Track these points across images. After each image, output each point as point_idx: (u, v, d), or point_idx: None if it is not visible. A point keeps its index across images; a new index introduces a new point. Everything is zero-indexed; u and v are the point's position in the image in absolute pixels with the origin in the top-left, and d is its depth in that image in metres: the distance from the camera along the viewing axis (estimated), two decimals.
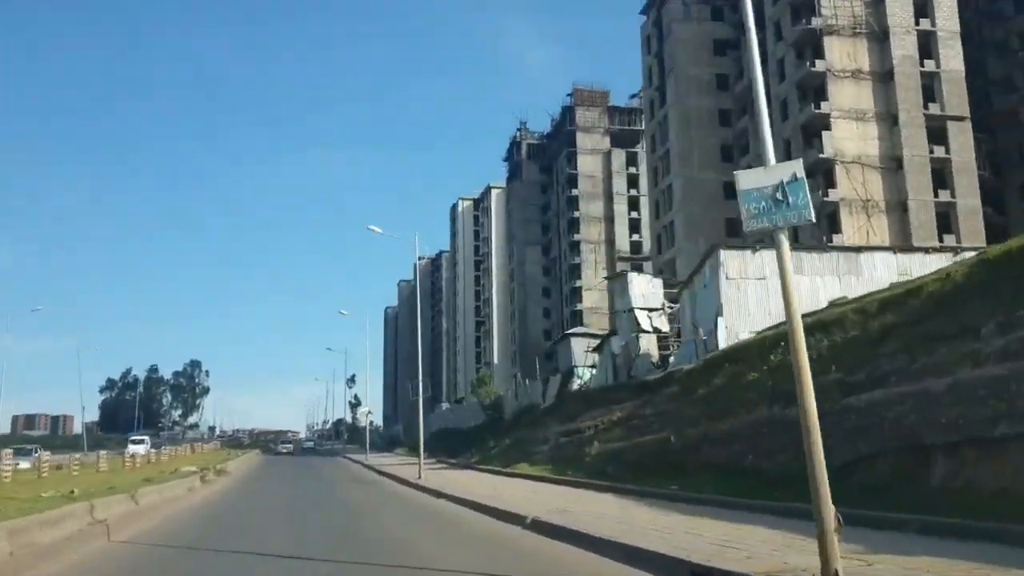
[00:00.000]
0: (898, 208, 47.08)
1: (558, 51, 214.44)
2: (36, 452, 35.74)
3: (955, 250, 30.80)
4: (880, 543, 9.08)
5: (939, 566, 7.74)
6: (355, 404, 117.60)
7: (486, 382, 61.93)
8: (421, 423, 30.01)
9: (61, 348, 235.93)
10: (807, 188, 7.81)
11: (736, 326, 28.44)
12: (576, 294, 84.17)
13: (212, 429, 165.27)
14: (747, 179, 8.07)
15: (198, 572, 9.97)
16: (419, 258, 31.47)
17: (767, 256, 29.57)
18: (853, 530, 10.52)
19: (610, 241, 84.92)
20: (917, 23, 49.01)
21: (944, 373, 12.60)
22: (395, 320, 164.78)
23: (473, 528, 14.14)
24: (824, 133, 47.99)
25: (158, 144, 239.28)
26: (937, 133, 47.96)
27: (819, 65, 48.76)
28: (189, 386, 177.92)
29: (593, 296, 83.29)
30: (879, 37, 48.90)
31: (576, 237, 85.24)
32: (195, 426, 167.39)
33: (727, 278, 29.03)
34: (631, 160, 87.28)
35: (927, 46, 49.08)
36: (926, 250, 32.19)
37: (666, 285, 37.05)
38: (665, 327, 35.77)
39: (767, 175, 7.94)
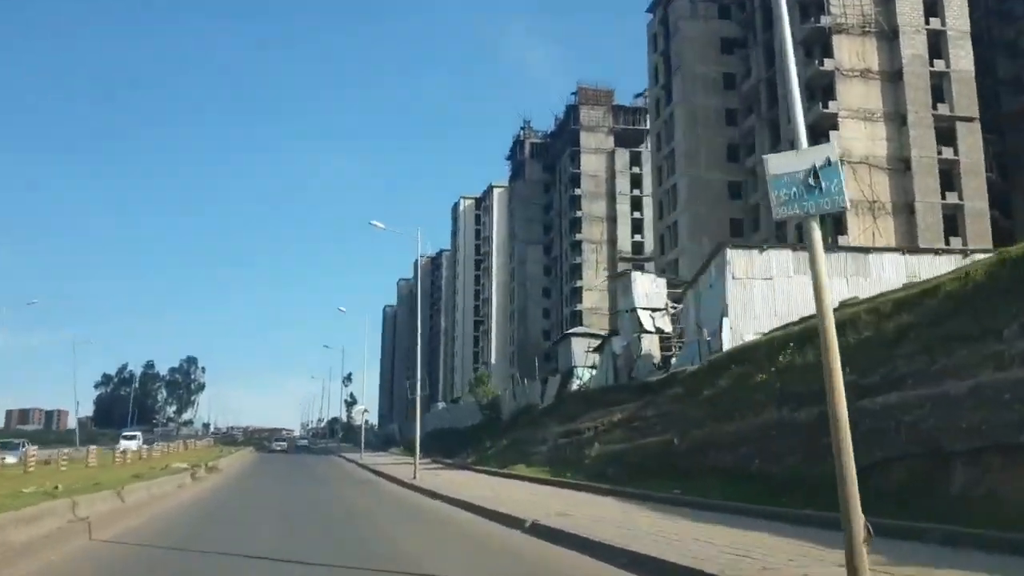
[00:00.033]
0: (905, 210, 46.54)
1: (562, 51, 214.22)
2: (23, 446, 35.17)
3: (964, 252, 30.24)
4: (902, 554, 8.56)
5: None
6: (351, 403, 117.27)
7: (484, 381, 61.33)
8: (418, 422, 29.46)
9: (57, 343, 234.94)
10: (841, 173, 7.26)
11: (741, 327, 27.87)
12: (576, 294, 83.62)
13: (207, 426, 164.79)
14: (777, 163, 7.53)
15: (183, 574, 9.43)
16: (420, 256, 30.95)
17: (774, 256, 29.11)
18: (877, 540, 10.02)
19: (612, 241, 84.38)
20: (927, 22, 48.50)
21: (965, 376, 12.04)
22: (393, 319, 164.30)
23: (471, 531, 13.60)
24: (831, 133, 47.36)
25: (156, 138, 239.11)
26: (946, 134, 47.43)
27: (827, 64, 48.25)
28: (185, 382, 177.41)
29: (593, 296, 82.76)
30: (888, 36, 48.36)
31: (578, 237, 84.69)
32: (190, 423, 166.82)
33: (733, 278, 28.47)
34: (635, 160, 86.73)
35: (937, 46, 48.56)
36: (935, 251, 31.65)
37: (670, 285, 36.50)
38: (668, 328, 35.22)
39: (798, 159, 7.40)
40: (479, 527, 13.99)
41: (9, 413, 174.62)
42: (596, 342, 42.56)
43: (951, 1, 49.05)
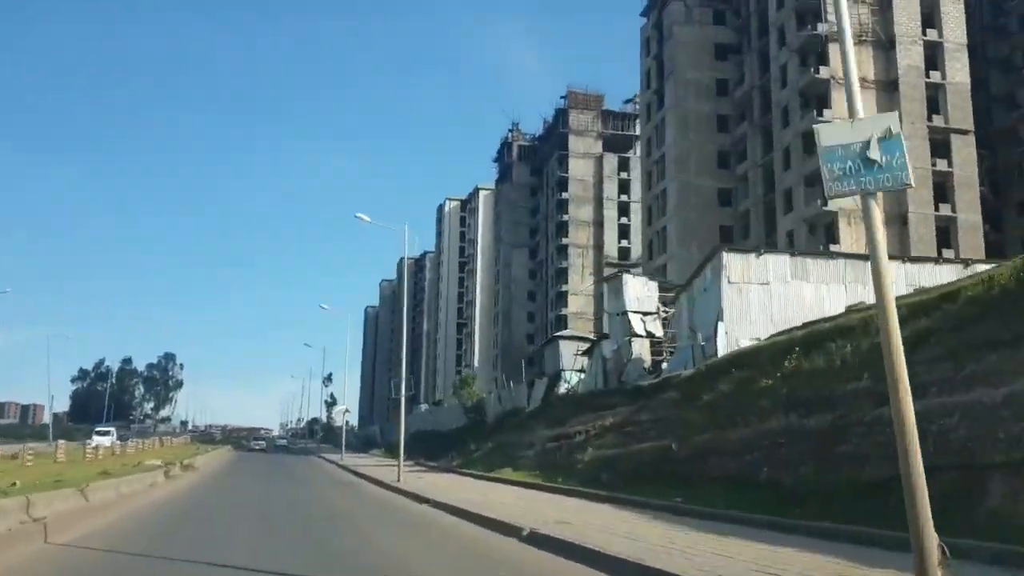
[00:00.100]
0: (897, 221, 46.08)
1: (552, 56, 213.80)
2: None
3: (966, 262, 29.67)
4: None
5: None
6: (331, 403, 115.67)
7: (469, 383, 60.38)
8: (402, 422, 28.50)
9: (34, 337, 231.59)
10: (904, 146, 6.44)
11: (736, 332, 27.13)
12: (562, 298, 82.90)
13: (184, 423, 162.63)
14: (830, 134, 6.69)
15: None
16: (406, 251, 30.13)
17: (771, 260, 28.43)
18: (909, 558, 9.21)
19: (598, 246, 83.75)
20: (924, 33, 48.19)
21: (997, 383, 11.29)
22: (375, 320, 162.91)
23: (463, 539, 12.68)
24: None
25: (138, 135, 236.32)
26: (940, 146, 47.09)
27: (823, 72, 47.76)
28: (162, 379, 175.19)
29: (579, 301, 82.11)
30: (885, 46, 47.97)
31: (564, 241, 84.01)
32: (167, 420, 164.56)
33: (729, 282, 27.71)
34: (623, 165, 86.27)
35: (933, 57, 48.26)
36: (936, 260, 31.11)
37: (661, 289, 35.74)
38: (659, 332, 34.44)
39: (855, 130, 6.55)
40: (472, 534, 13.07)
41: None
42: (585, 345, 41.73)
43: (948, 13, 48.79)
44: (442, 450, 43.72)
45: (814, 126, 7.01)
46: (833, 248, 44.06)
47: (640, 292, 34.62)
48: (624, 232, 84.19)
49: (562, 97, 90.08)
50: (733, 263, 28.07)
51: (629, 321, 33.73)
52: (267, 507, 17.76)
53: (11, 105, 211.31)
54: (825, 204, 46.77)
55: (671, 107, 59.04)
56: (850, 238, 45.00)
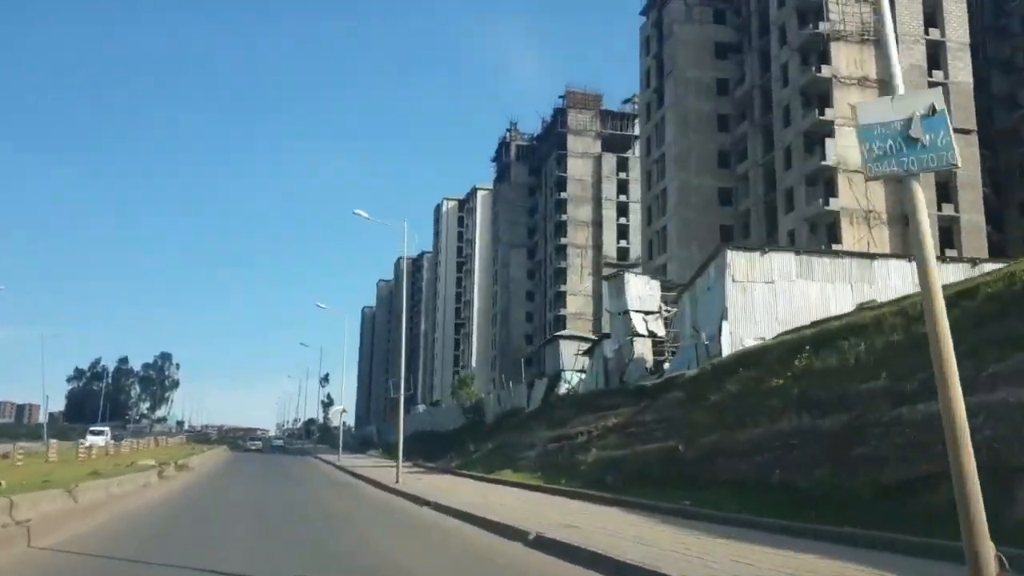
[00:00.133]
0: (900, 220, 45.69)
1: (549, 58, 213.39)
2: None
3: (974, 261, 29.27)
4: None
5: None
6: (328, 403, 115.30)
7: (468, 383, 59.87)
8: (401, 422, 28.01)
9: (31, 336, 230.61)
10: (949, 124, 6.00)
11: (741, 331, 26.68)
12: (560, 299, 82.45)
13: (180, 423, 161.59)
14: (869, 111, 6.27)
15: None
16: (405, 249, 29.62)
17: (776, 259, 27.98)
18: (940, 566, 8.77)
19: (597, 246, 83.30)
20: (926, 32, 47.85)
21: (1023, 382, 10.85)
22: (372, 320, 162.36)
23: (467, 543, 12.21)
24: (827, 140, 46.61)
25: (133, 133, 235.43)
26: None
27: (825, 71, 47.40)
28: (159, 379, 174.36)
29: (578, 301, 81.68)
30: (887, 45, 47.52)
31: (563, 241, 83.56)
32: (163, 420, 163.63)
33: (733, 280, 27.26)
34: (621, 165, 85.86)
35: (936, 56, 47.93)
36: (943, 259, 30.67)
37: (663, 288, 35.26)
38: (661, 331, 33.98)
39: (895, 107, 6.13)
40: (476, 538, 12.60)
41: None
42: (585, 345, 41.27)
43: (951, 13, 48.46)
44: (440, 451, 43.22)
45: (850, 103, 6.55)
46: (835, 248, 43.71)
47: (642, 291, 34.17)
48: (623, 232, 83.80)
49: (560, 97, 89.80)
50: (737, 261, 27.64)
51: (631, 320, 33.27)
52: (262, 509, 17.28)
53: (11, 105, 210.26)
54: (827, 204, 46.45)
55: (671, 106, 58.63)
56: (852, 238, 44.67)
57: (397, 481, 24.31)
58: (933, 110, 6.01)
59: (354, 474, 32.06)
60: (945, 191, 46.52)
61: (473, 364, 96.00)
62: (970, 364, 12.41)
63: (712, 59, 58.41)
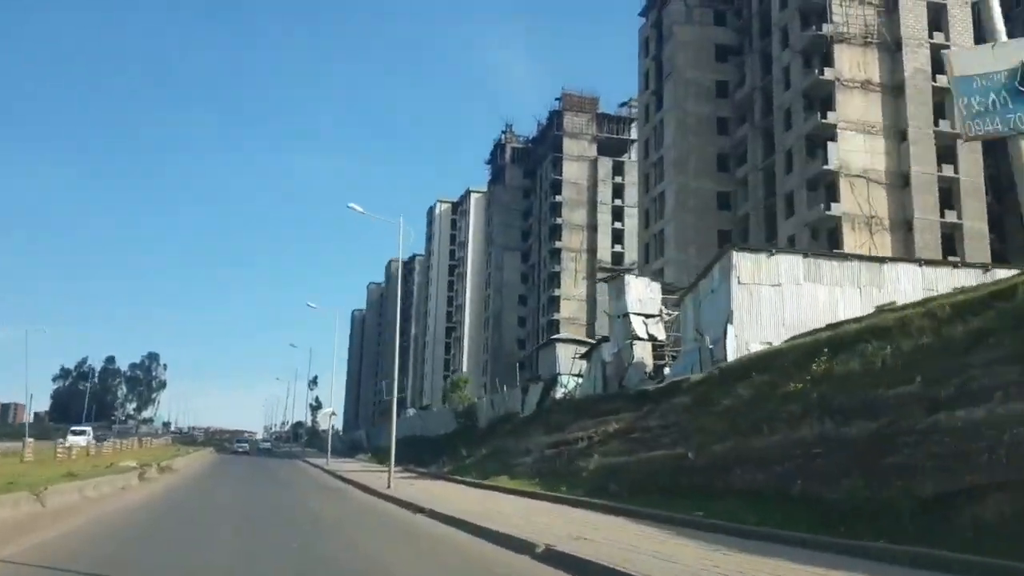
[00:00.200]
0: (902, 227, 45.07)
1: (545, 61, 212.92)
2: None
3: (985, 266, 28.49)
4: None
5: None
6: (316, 407, 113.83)
7: (461, 386, 58.75)
8: (393, 423, 27.03)
9: (16, 336, 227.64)
10: None
11: (746, 335, 25.82)
12: (554, 303, 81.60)
13: (167, 424, 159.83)
14: (965, 61, 5.34)
15: None
16: (400, 247, 28.60)
17: (783, 261, 27.12)
18: None
19: (592, 250, 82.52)
20: (931, 36, 47.22)
21: None
22: (362, 323, 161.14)
23: (468, 554, 11.27)
24: (829, 144, 45.92)
25: (124, 132, 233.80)
26: (946, 152, 46.10)
27: (828, 74, 46.74)
28: (145, 379, 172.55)
29: (571, 306, 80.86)
30: (891, 48, 47.02)
31: (557, 244, 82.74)
32: (149, 420, 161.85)
33: (739, 283, 26.38)
34: (617, 170, 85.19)
35: (940, 60, 47.16)
36: (954, 264, 29.94)
37: (664, 291, 34.39)
38: (661, 335, 33.10)
39: (997, 55, 5.19)
40: (478, 550, 11.63)
41: None
42: (583, 349, 40.36)
43: (955, 16, 47.88)
44: (432, 456, 42.20)
45: (944, 52, 5.62)
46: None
47: (642, 294, 33.29)
48: (618, 237, 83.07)
49: (556, 99, 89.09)
50: (743, 263, 26.76)
51: (631, 323, 32.37)
52: (247, 515, 16.31)
53: (10, 105, 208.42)
54: (828, 209, 45.72)
55: (670, 108, 57.88)
56: (854, 243, 43.90)
57: (389, 486, 23.35)
58: None
59: (343, 479, 31.06)
60: (948, 197, 45.91)
61: (464, 368, 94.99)
62: (1014, 369, 11.57)
63: (712, 61, 57.72)
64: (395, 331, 27.53)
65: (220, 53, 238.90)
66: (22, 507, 10.99)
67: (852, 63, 46.98)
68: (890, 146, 46.20)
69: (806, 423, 14.75)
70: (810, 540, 10.96)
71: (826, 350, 16.66)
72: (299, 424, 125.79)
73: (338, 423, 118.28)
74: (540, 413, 35.09)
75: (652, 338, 32.77)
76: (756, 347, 24.53)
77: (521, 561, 10.41)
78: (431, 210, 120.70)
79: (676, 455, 18.15)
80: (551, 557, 10.23)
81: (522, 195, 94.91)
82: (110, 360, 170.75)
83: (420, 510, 17.12)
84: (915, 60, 46.58)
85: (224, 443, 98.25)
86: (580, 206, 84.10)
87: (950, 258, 43.54)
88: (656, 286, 34.42)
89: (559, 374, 39.44)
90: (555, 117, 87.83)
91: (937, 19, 47.86)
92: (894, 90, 46.71)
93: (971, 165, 46.30)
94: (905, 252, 44.00)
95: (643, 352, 32.26)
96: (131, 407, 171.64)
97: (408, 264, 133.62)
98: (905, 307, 17.36)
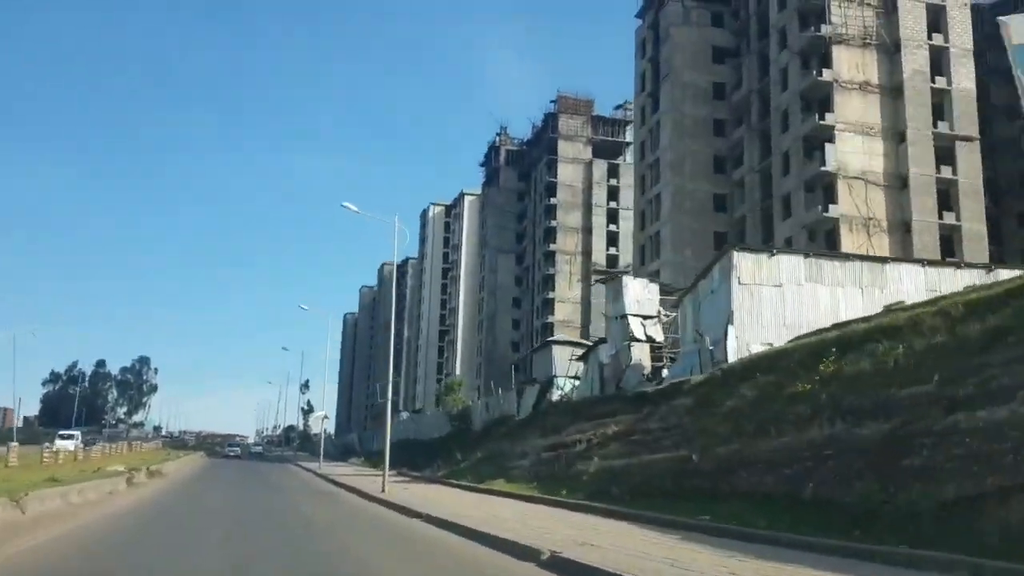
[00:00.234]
0: (900, 228, 44.78)
1: (541, 61, 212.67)
2: None
3: (988, 267, 28.16)
4: None
5: None
6: (308, 411, 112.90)
7: (455, 389, 58.19)
8: (388, 426, 26.51)
9: (4, 339, 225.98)
10: None
11: (747, 336, 25.41)
12: (548, 306, 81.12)
13: (158, 429, 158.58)
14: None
15: None
16: (395, 250, 28.04)
17: (784, 261, 26.74)
18: None
19: (586, 253, 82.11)
20: (930, 38, 46.99)
21: None
22: (354, 327, 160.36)
23: (471, 563, 10.77)
24: (827, 146, 45.60)
25: (124, 132, 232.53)
26: (944, 153, 45.85)
27: (826, 75, 46.44)
28: (136, 383, 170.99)
29: (566, 308, 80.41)
30: (889, 50, 46.76)
31: (552, 247, 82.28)
32: (140, 424, 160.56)
33: (740, 283, 25.98)
34: (612, 172, 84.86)
35: (939, 62, 47.09)
36: (957, 264, 29.59)
37: (662, 292, 33.94)
38: (659, 336, 32.65)
39: None
40: (480, 556, 11.13)
41: None
42: (579, 351, 39.87)
43: (955, 18, 47.67)
44: (425, 459, 41.66)
45: (1000, 19, 5.25)
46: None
47: (640, 295, 32.82)
48: (612, 240, 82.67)
49: (552, 101, 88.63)
50: (744, 263, 26.36)
51: (628, 325, 31.91)
52: (239, 520, 15.73)
53: (10, 105, 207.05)
54: (826, 210, 45.41)
55: (666, 110, 57.52)
56: (852, 245, 43.53)
57: (383, 491, 22.82)
58: None
59: (337, 483, 30.54)
60: (946, 199, 45.65)
61: (457, 371, 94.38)
62: None
63: (709, 63, 57.41)
64: (390, 331, 26.99)
65: (220, 53, 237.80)
66: (0, 513, 10.45)
67: (851, 64, 46.72)
68: (888, 147, 45.93)
69: (815, 424, 14.33)
70: (827, 545, 10.52)
71: (834, 350, 16.27)
72: (291, 428, 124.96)
73: (330, 427, 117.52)
74: (536, 416, 34.63)
75: (650, 339, 32.31)
76: (757, 348, 24.13)
77: (526, 569, 9.94)
78: (424, 213, 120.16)
79: (679, 458, 17.72)
80: (557, 564, 9.76)
81: (516, 197, 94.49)
82: (100, 364, 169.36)
83: (416, 514, 16.62)
84: (914, 61, 46.34)
85: (215, 447, 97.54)
86: (575, 209, 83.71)
87: (951, 259, 43.39)
88: (654, 287, 33.98)
89: (555, 376, 38.95)
90: (550, 119, 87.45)
91: (936, 20, 47.64)
92: (893, 91, 46.46)
93: (970, 167, 46.05)
94: (903, 254, 43.67)
95: (641, 354, 31.79)
96: (122, 411, 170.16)
97: (401, 267, 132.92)
98: (915, 306, 16.96)
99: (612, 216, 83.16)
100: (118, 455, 44.13)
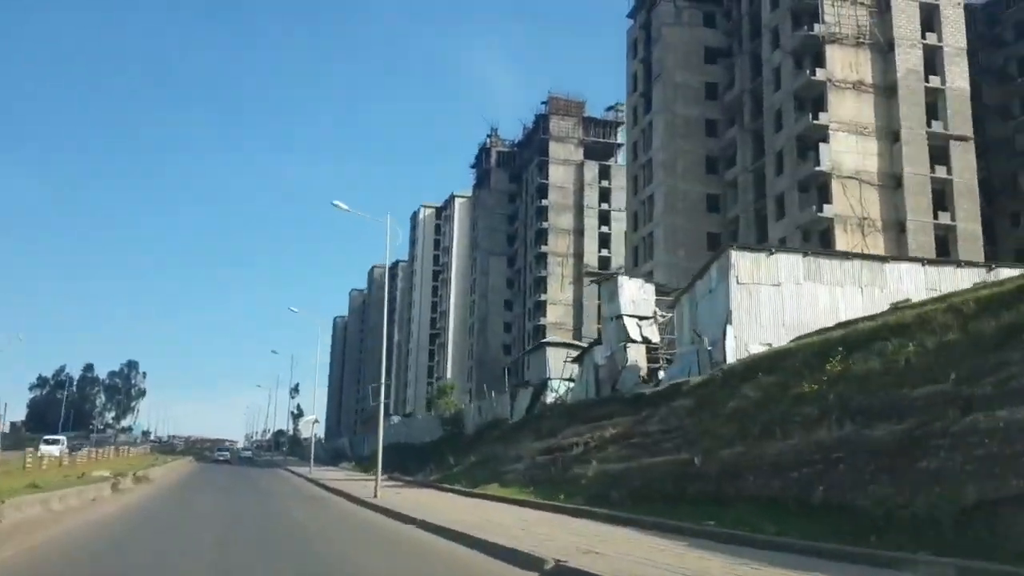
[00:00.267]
0: (895, 228, 44.53)
1: (532, 62, 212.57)
2: None
3: (989, 266, 27.85)
4: None
5: None
6: (297, 414, 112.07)
7: (447, 392, 57.59)
8: (380, 429, 25.96)
9: None
10: None
11: (745, 336, 25.00)
12: (540, 308, 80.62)
13: (147, 434, 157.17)
14: None
15: None
16: (387, 249, 27.44)
17: (783, 260, 26.35)
18: None
19: (578, 255, 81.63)
20: (923, 37, 46.79)
21: None
22: (344, 331, 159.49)
23: (470, 571, 10.23)
24: (821, 145, 45.32)
25: (124, 132, 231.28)
26: (939, 153, 45.65)
27: (819, 74, 46.17)
28: (124, 387, 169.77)
29: (558, 311, 79.94)
30: (883, 49, 46.54)
31: (543, 249, 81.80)
32: (128, 429, 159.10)
33: (738, 282, 25.58)
34: (604, 173, 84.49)
35: (932, 61, 46.89)
36: (957, 263, 29.26)
37: (658, 292, 33.54)
38: (655, 337, 32.22)
39: None
40: (480, 565, 10.63)
41: None
42: (574, 352, 39.41)
43: (948, 17, 47.50)
44: (417, 464, 41.12)
45: None
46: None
47: (636, 295, 32.41)
48: (604, 241, 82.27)
49: (543, 103, 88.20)
50: (742, 263, 25.97)
51: (624, 326, 31.47)
52: (228, 528, 15.18)
53: (10, 105, 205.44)
54: (820, 210, 45.14)
55: (659, 111, 57.20)
56: (846, 244, 43.22)
57: (375, 495, 22.30)
58: None
59: (328, 488, 29.99)
60: (941, 199, 45.43)
61: (448, 375, 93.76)
62: None
63: (701, 63, 57.11)
64: (383, 332, 26.49)
65: (220, 53, 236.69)
66: None
67: (844, 64, 46.47)
68: (883, 147, 45.69)
69: (824, 426, 13.86)
70: (844, 552, 10.05)
71: (840, 349, 15.83)
72: (280, 432, 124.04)
73: (320, 431, 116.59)
74: (530, 419, 34.14)
75: (646, 340, 31.89)
76: (756, 348, 23.75)
77: None
78: (415, 215, 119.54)
79: (681, 461, 17.24)
80: (562, 574, 9.27)
81: (508, 199, 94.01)
82: (88, 368, 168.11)
83: (411, 520, 16.10)
84: (908, 61, 46.14)
85: (204, 452, 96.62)
86: (566, 210, 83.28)
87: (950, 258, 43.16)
88: (650, 288, 33.57)
89: (549, 379, 38.49)
90: (541, 121, 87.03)
91: (930, 19, 47.46)
92: (887, 91, 46.23)
93: (964, 166, 45.85)
94: (898, 253, 43.41)
95: (637, 355, 31.35)
96: (110, 416, 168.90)
97: (391, 270, 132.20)
98: (924, 303, 16.56)
99: (604, 218, 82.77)
100: (104, 460, 43.42)
